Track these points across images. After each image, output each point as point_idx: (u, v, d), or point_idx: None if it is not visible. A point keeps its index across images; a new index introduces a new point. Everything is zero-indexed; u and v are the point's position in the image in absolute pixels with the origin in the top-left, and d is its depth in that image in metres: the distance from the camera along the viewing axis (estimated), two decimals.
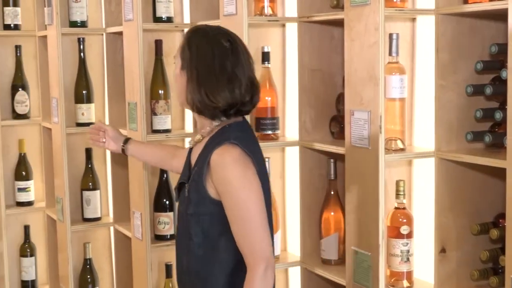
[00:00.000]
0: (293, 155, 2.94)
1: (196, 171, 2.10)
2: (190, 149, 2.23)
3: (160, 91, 3.21)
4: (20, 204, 4.02)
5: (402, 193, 2.45)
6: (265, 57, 2.84)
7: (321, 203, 2.79)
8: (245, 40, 2.71)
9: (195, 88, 2.06)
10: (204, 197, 2.07)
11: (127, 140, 2.65)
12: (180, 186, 2.19)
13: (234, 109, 2.09)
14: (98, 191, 3.72)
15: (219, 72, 2.05)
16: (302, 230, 2.84)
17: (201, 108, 2.08)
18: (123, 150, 2.65)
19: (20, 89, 3.96)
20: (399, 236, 2.44)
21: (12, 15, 3.90)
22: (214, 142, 2.07)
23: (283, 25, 2.99)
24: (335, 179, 2.73)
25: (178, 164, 2.46)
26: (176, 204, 2.39)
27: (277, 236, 2.89)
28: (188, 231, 2.12)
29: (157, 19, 3.22)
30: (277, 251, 2.89)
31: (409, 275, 2.46)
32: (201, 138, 2.16)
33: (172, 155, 2.57)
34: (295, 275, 2.98)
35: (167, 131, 3.21)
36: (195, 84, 2.06)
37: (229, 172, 2.01)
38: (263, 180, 2.08)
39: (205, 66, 2.06)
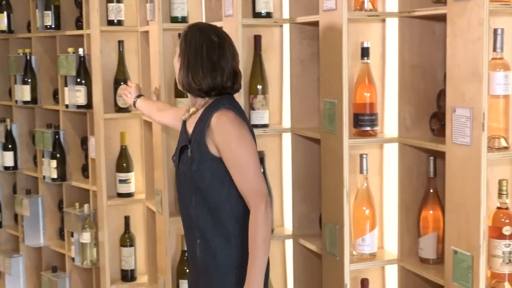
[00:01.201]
0: (391, 152, 2.92)
1: (197, 134, 2.56)
2: (184, 122, 2.69)
3: (258, 86, 3.26)
4: (121, 195, 4.15)
5: (505, 192, 2.40)
6: (365, 52, 2.83)
7: (420, 201, 2.76)
8: (344, 35, 2.71)
9: (185, 73, 2.57)
10: (205, 155, 2.52)
11: (139, 96, 3.31)
12: (182, 149, 2.62)
13: (216, 91, 2.57)
14: None
15: (206, 61, 2.54)
16: (399, 228, 2.82)
17: (189, 89, 2.60)
18: (134, 103, 3.31)
19: (122, 83, 4.07)
20: (501, 236, 2.39)
21: (115, 11, 4.04)
22: (210, 110, 2.54)
23: (383, 20, 2.97)
24: (434, 177, 2.70)
25: (160, 118, 3.16)
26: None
27: (374, 234, 2.88)
28: (192, 186, 2.56)
29: (257, 15, 3.26)
30: (374, 249, 2.89)
31: (511, 277, 2.41)
32: (196, 110, 2.63)
33: (159, 109, 3.18)
34: (392, 273, 2.97)
35: (264, 126, 3.25)
36: (185, 69, 2.57)
37: (227, 129, 2.49)
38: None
39: (194, 55, 2.55)
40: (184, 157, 2.61)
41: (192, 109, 2.65)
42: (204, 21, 3.75)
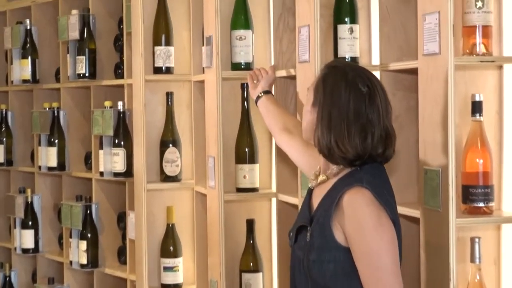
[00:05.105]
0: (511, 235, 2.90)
1: (321, 213, 2.46)
2: (310, 190, 2.60)
3: None
4: (166, 287, 4.17)
5: None
6: (476, 107, 2.83)
7: None
8: (449, 86, 2.73)
9: (325, 132, 2.45)
10: (329, 242, 2.41)
11: (267, 92, 3.24)
12: (299, 229, 2.54)
13: (361, 161, 2.44)
14: (260, 274, 3.80)
15: (353, 119, 2.41)
16: None
17: (327, 154, 2.46)
18: (257, 99, 3.25)
19: (170, 145, 4.15)
20: None
21: (164, 56, 4.13)
22: (343, 184, 2.43)
23: (500, 67, 2.98)
24: None
25: (282, 140, 3.05)
26: None
27: None
28: (309, 279, 2.46)
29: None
30: None
31: None
32: (326, 179, 2.53)
33: (285, 128, 3.08)
34: None
35: None
36: (325, 127, 2.45)
37: (361, 215, 2.36)
38: (397, 231, 2.41)
39: (338, 110, 2.43)
40: (302, 239, 2.53)
41: (322, 177, 2.56)
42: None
